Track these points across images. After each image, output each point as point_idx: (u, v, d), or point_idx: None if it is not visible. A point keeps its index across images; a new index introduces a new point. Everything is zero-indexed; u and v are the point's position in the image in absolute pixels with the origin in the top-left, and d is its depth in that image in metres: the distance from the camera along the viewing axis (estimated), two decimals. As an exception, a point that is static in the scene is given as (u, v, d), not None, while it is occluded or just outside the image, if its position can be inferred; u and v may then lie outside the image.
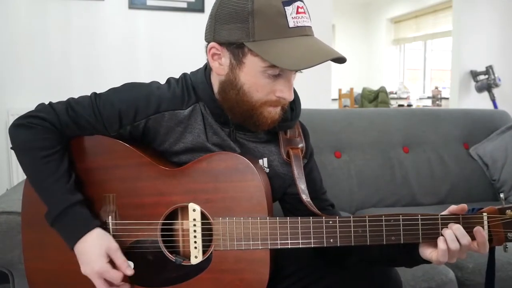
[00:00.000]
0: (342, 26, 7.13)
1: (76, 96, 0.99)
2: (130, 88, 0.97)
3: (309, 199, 0.97)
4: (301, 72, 0.89)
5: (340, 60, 0.85)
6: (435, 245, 0.86)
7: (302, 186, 0.98)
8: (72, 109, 0.94)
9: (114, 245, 0.90)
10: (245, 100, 0.89)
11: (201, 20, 3.01)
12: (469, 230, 0.85)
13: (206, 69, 0.97)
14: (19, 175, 2.70)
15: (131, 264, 0.91)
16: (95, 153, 0.97)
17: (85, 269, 0.90)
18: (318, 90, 3.15)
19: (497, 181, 1.98)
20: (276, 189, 1.01)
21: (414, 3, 6.44)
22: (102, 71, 2.84)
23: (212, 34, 0.88)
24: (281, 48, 0.82)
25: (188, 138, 0.96)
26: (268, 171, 1.00)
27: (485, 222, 0.86)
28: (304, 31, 0.85)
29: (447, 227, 0.85)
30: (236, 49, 0.86)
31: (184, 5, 2.98)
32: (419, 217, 0.86)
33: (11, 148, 0.96)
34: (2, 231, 1.13)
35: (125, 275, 0.90)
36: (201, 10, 3.01)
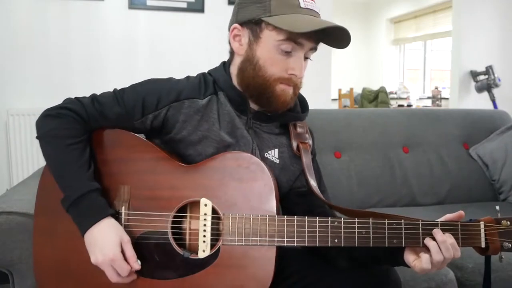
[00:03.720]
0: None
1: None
2: (151, 81, 1.04)
3: (316, 186, 1.04)
4: (311, 59, 1.01)
5: (343, 41, 0.98)
6: (418, 253, 0.90)
7: (311, 175, 1.05)
8: (97, 101, 1.00)
9: (126, 237, 0.93)
10: (260, 75, 0.98)
11: (201, 20, 3.02)
12: (467, 237, 0.90)
13: (225, 64, 1.07)
14: (19, 175, 2.70)
15: (139, 262, 0.92)
16: (115, 146, 1.01)
17: (96, 257, 0.91)
18: (318, 90, 3.15)
19: (497, 181, 1.98)
20: (285, 182, 1.06)
21: (414, 3, 6.44)
22: (102, 71, 2.84)
23: (235, 17, 1.01)
24: (293, 19, 0.94)
25: (204, 126, 1.01)
26: (278, 162, 1.06)
27: (482, 230, 0.90)
28: (313, 13, 0.97)
29: (432, 239, 0.88)
30: (255, 25, 0.97)
31: (184, 5, 2.98)
32: (420, 222, 0.89)
33: (37, 137, 0.99)
34: (2, 231, 1.13)
35: (132, 269, 0.91)
36: (201, 10, 3.01)
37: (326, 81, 3.30)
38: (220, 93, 1.04)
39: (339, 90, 5.69)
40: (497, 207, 0.94)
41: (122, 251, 0.91)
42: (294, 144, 1.07)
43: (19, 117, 2.65)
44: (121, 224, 0.96)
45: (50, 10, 2.74)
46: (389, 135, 1.96)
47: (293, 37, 0.95)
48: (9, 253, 1.14)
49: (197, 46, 3.00)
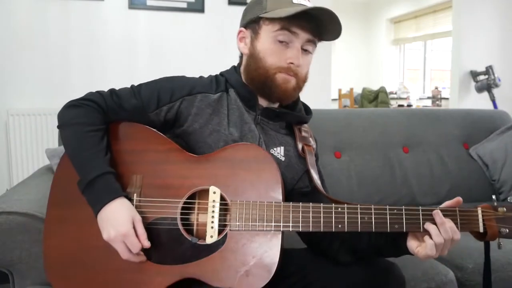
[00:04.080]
0: (342, 26, 7.12)
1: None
2: (166, 78, 1.12)
3: (320, 185, 1.08)
4: (311, 52, 1.07)
5: (336, 30, 1.04)
6: (421, 240, 0.94)
7: (315, 175, 1.09)
8: (116, 94, 1.07)
9: (138, 216, 0.96)
10: (261, 66, 1.05)
11: (201, 20, 3.02)
12: (465, 222, 0.94)
13: (236, 66, 1.15)
14: (19, 175, 2.70)
15: (148, 242, 0.95)
16: (130, 138, 1.07)
17: (109, 232, 0.93)
18: (318, 90, 3.15)
19: (497, 181, 1.98)
20: (289, 180, 1.09)
21: (414, 3, 6.44)
22: (102, 71, 2.84)
23: (241, 23, 1.12)
24: (284, 10, 1.01)
25: (215, 120, 1.07)
26: (283, 159, 1.10)
27: (480, 216, 0.94)
28: (305, 8, 1.02)
29: (432, 223, 0.93)
30: (254, 24, 1.07)
31: (184, 5, 2.98)
32: (420, 208, 0.94)
33: (58, 126, 1.05)
34: (2, 231, 1.13)
35: (143, 246, 0.94)
36: (201, 10, 3.01)
37: (326, 81, 3.30)
38: (231, 90, 1.10)
39: (339, 90, 5.70)
40: (494, 196, 0.98)
41: (134, 229, 0.94)
42: (300, 146, 1.12)
43: (19, 117, 2.65)
44: None
45: (50, 10, 2.74)
46: (389, 135, 1.96)
47: (286, 26, 1.02)
48: (9, 253, 1.14)
49: (197, 46, 3.00)
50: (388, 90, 6.07)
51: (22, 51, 2.71)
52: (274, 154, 1.09)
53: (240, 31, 1.12)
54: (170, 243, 0.98)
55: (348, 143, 1.90)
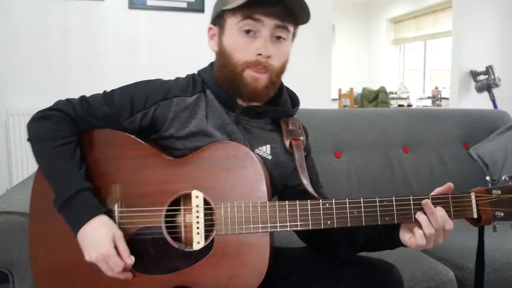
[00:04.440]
0: (342, 26, 7.13)
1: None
2: (140, 83, 1.06)
3: (309, 183, 1.04)
4: (283, 38, 0.99)
5: (304, 12, 0.96)
6: (413, 230, 0.91)
7: (304, 173, 1.04)
8: (86, 101, 1.02)
9: (119, 232, 0.93)
10: (229, 62, 1.00)
11: (201, 20, 3.02)
12: (459, 209, 0.91)
13: (213, 64, 1.08)
14: (19, 175, 2.70)
15: (132, 257, 0.92)
16: (105, 146, 1.02)
17: (90, 254, 0.91)
18: (318, 90, 3.15)
19: (497, 181, 1.98)
20: (277, 178, 1.06)
21: (414, 3, 6.44)
22: (102, 71, 2.84)
23: (211, 19, 1.06)
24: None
25: (192, 123, 1.02)
26: (270, 158, 1.06)
27: (473, 201, 0.91)
28: None
29: (422, 213, 0.89)
30: (219, 18, 1.02)
31: (184, 5, 2.98)
32: (411, 197, 0.90)
33: (28, 139, 1.00)
34: (2, 231, 1.13)
35: (126, 265, 0.92)
36: (201, 10, 3.01)
37: (326, 81, 3.30)
38: (208, 91, 1.05)
39: (339, 90, 5.69)
40: (487, 178, 0.93)
41: (116, 247, 0.92)
42: (287, 141, 1.08)
43: (19, 117, 2.65)
44: (115, 222, 0.96)
45: (50, 10, 2.74)
46: (389, 135, 1.96)
47: (248, 14, 0.96)
48: (9, 253, 1.14)
49: (197, 46, 2.98)
50: (388, 90, 6.07)
51: (22, 51, 2.71)
52: (260, 153, 1.05)
53: (209, 29, 1.07)
54: (158, 252, 0.96)
55: (348, 143, 1.90)
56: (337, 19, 6.29)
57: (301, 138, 1.10)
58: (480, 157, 2.01)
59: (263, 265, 0.92)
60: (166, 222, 0.95)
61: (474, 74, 3.89)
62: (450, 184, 0.93)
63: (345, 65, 6.92)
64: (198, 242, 0.93)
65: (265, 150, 1.06)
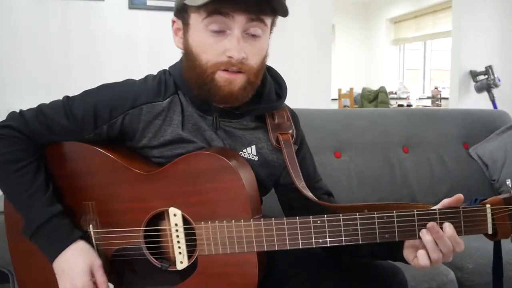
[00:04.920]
0: (342, 26, 7.13)
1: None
2: (104, 87, 0.95)
3: (303, 183, 0.95)
4: (257, 35, 0.85)
5: (280, 6, 0.82)
6: (418, 247, 0.81)
7: (295, 171, 0.94)
8: (42, 114, 0.91)
9: (97, 262, 0.87)
10: (197, 64, 0.86)
11: (201, 20, 3.01)
12: (471, 224, 0.78)
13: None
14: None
15: (111, 286, 0.88)
16: (70, 160, 0.93)
17: (64, 285, 0.86)
18: (318, 90, 3.15)
19: (497, 181, 1.98)
20: (267, 178, 0.99)
21: (414, 3, 6.44)
22: (102, 71, 2.84)
23: (174, 11, 0.91)
24: None
25: (167, 131, 0.92)
26: (256, 159, 0.96)
27: (489, 215, 0.78)
28: None
29: (426, 228, 0.78)
30: (182, 13, 0.87)
31: (184, 5, 2.98)
32: (415, 212, 0.78)
33: None
34: (2, 231, 1.13)
35: None
36: (201, 10, 3.01)
37: (326, 81, 3.30)
38: (180, 93, 0.94)
39: (339, 90, 5.69)
40: (508, 182, 0.79)
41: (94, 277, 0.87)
42: (273, 138, 0.97)
43: (19, 117, 2.64)
44: (92, 244, 0.91)
45: (50, 10, 2.74)
46: (389, 135, 1.96)
47: (216, 9, 0.81)
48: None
49: (197, 46, 3.00)
50: (388, 90, 6.07)
51: (22, 51, 2.71)
52: (245, 156, 0.95)
53: (173, 22, 0.92)
54: (141, 271, 0.91)
55: (348, 143, 1.90)
56: (337, 19, 6.29)
57: (290, 131, 0.98)
58: (480, 157, 2.01)
59: (252, 284, 0.86)
60: (146, 242, 0.89)
61: (473, 74, 3.89)
62: (459, 196, 0.80)
63: (345, 65, 6.92)
64: (181, 262, 0.88)
65: (250, 152, 0.96)
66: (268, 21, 0.87)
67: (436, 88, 5.89)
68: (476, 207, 0.79)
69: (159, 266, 0.89)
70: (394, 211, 0.79)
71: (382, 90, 5.85)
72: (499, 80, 3.75)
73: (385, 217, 0.79)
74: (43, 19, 2.73)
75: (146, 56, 2.94)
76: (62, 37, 2.77)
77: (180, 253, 0.88)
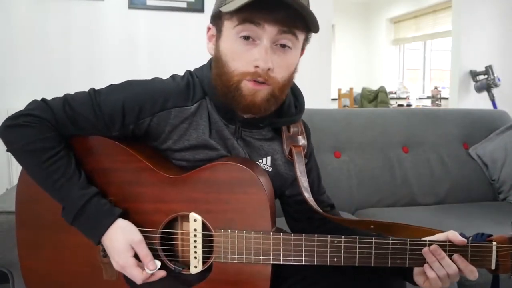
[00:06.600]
0: (342, 26, 7.13)
1: None
2: (133, 84, 0.94)
3: (311, 198, 0.96)
4: (288, 47, 0.86)
5: (310, 16, 0.82)
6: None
7: (304, 184, 0.97)
8: (69, 106, 0.89)
9: (137, 237, 0.88)
10: (225, 71, 0.87)
11: (201, 20, 3.01)
12: (476, 258, 0.83)
13: (211, 63, 0.96)
14: (19, 175, 2.70)
15: (158, 262, 0.88)
16: (94, 154, 0.93)
17: (116, 263, 0.88)
18: (318, 90, 3.15)
19: (497, 181, 1.98)
20: (277, 190, 1.00)
21: (414, 3, 6.44)
22: (102, 71, 2.84)
23: (210, 18, 0.93)
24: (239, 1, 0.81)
25: (192, 135, 0.93)
26: (270, 170, 0.99)
27: (494, 252, 0.83)
28: None
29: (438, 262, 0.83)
30: (217, 20, 0.89)
31: (184, 5, 2.97)
32: (427, 242, 0.83)
33: (8, 150, 0.90)
34: (2, 231, 1.13)
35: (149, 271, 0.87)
36: (201, 10, 3.01)
37: (326, 81, 3.30)
38: (207, 98, 0.95)
39: (339, 90, 5.69)
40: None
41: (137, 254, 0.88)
42: (287, 150, 0.99)
43: (19, 117, 2.64)
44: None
45: (50, 10, 2.74)
46: (389, 135, 1.96)
47: (247, 18, 0.82)
48: (9, 253, 1.14)
49: (197, 46, 2.98)
50: (387, 90, 6.07)
51: (22, 51, 2.71)
52: (260, 166, 0.97)
53: (208, 29, 0.93)
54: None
55: (347, 143, 1.90)
56: (337, 19, 6.29)
57: (302, 143, 1.01)
58: (480, 157, 2.01)
59: None
60: (162, 244, 0.91)
61: (473, 74, 3.89)
62: (463, 241, 0.83)
63: (345, 65, 6.93)
64: (196, 266, 0.89)
65: (266, 162, 0.98)
66: (300, 36, 0.88)
67: (436, 88, 5.89)
68: (484, 243, 0.84)
69: (173, 268, 0.90)
70: (408, 239, 0.84)
71: (382, 90, 5.85)
72: (499, 80, 3.75)
73: (398, 244, 0.84)
74: (43, 19, 2.73)
75: (145, 56, 2.94)
76: (62, 37, 2.77)
77: (195, 257, 0.89)
